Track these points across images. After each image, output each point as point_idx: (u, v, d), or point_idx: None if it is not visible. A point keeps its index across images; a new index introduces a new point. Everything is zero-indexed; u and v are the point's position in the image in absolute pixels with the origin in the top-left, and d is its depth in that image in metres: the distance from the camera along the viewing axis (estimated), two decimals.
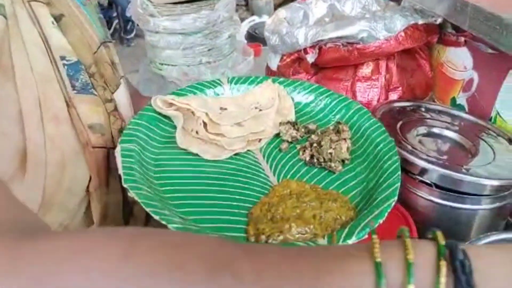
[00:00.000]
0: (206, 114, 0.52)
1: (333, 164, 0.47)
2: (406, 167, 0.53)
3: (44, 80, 0.39)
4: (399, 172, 0.43)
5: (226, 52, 1.06)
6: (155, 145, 0.50)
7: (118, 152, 0.43)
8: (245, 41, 1.39)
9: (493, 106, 0.60)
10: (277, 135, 0.54)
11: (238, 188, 0.45)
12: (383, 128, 0.51)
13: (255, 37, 1.56)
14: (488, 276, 0.23)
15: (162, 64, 1.05)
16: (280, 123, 0.54)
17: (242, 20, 1.53)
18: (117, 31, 3.45)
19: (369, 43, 0.61)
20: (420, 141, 0.56)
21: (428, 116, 0.62)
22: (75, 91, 0.42)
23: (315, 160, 0.48)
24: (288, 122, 0.54)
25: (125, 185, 0.39)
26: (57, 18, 0.43)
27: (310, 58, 0.66)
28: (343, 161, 0.48)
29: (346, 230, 0.37)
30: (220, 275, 0.23)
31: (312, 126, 0.55)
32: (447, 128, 0.59)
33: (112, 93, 0.48)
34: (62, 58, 0.42)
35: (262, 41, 1.11)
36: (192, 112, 0.52)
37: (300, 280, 0.23)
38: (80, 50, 0.44)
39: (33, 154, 0.38)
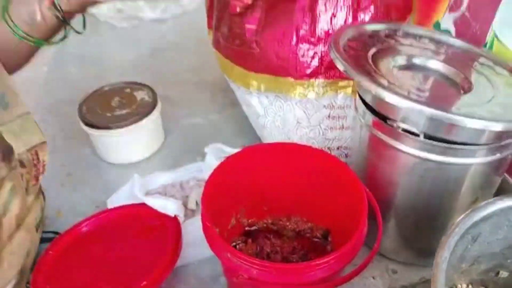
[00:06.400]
0: None
1: None
2: (380, 112, 0.40)
3: None
4: None
5: None
6: None
7: None
8: None
9: (490, 27, 0.47)
10: None
11: None
12: None
13: None
14: None
15: None
16: None
17: None
18: None
19: None
20: (398, 74, 0.42)
21: (407, 42, 0.47)
22: None
23: None
24: None
25: None
26: None
27: None
28: None
29: None
30: None
31: None
32: (431, 58, 0.45)
33: None
34: None
35: None
36: None
37: None
38: None
39: None
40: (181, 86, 0.84)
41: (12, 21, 0.45)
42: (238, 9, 0.53)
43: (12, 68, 0.50)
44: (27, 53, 0.51)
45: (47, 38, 0.49)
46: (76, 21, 0.50)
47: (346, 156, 0.58)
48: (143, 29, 1.03)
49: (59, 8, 0.45)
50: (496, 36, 0.46)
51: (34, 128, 0.50)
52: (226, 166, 0.45)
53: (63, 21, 0.46)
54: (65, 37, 0.49)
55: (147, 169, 0.64)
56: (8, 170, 0.42)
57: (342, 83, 0.52)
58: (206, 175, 0.58)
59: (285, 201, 0.48)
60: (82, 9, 0.47)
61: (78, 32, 0.49)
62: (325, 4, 0.49)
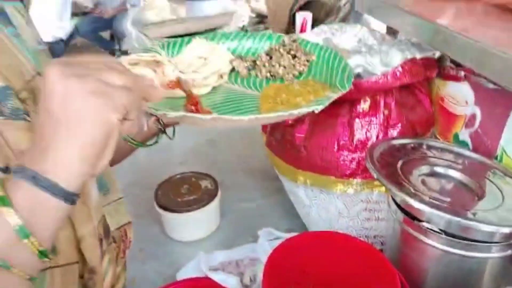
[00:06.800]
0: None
1: (287, 76, 0.58)
2: (409, 211, 0.50)
3: None
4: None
5: None
6: None
7: None
8: None
9: (499, 143, 0.57)
10: (232, 71, 0.61)
11: (230, 105, 0.54)
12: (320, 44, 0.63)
13: None
14: None
15: None
16: (230, 60, 0.61)
17: None
18: None
19: (366, 78, 0.59)
20: (423, 182, 0.52)
21: (430, 154, 0.59)
22: (2, 117, 0.40)
23: (274, 76, 0.59)
24: (235, 57, 0.61)
25: None
26: None
27: None
28: (300, 73, 0.59)
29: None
30: None
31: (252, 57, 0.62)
32: (451, 167, 0.56)
33: None
34: None
35: None
36: (154, 70, 0.55)
37: None
38: (9, 75, 0.42)
39: None
40: (233, 173, 0.97)
41: None
42: (290, 121, 0.68)
43: (113, 162, 0.65)
44: (127, 151, 0.66)
45: (144, 141, 0.64)
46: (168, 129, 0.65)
47: (382, 244, 0.66)
48: None
49: (161, 122, 0.60)
50: (504, 151, 0.56)
51: (124, 210, 0.63)
52: (279, 252, 0.53)
53: (162, 131, 0.61)
54: (156, 141, 0.64)
55: (206, 247, 0.74)
56: (107, 244, 0.54)
57: (376, 182, 0.63)
58: (259, 255, 0.68)
59: (329, 283, 0.56)
60: (177, 122, 0.63)
61: (170, 138, 0.64)
62: (360, 122, 0.62)
